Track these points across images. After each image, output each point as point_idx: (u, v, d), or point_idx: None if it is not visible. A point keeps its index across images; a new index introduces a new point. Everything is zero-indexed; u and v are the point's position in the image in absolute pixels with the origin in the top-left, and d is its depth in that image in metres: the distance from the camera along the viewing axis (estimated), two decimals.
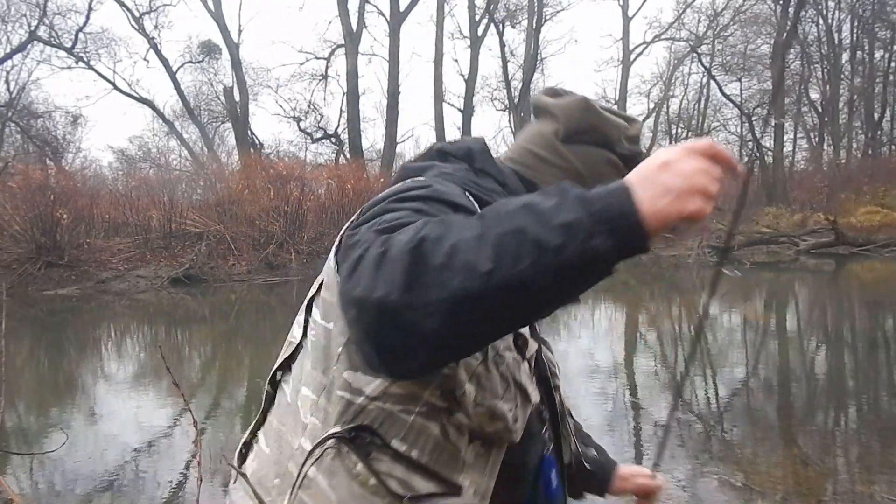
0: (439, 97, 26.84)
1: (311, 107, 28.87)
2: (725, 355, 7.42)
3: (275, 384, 0.98)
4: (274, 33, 47.05)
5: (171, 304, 12.54)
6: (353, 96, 24.33)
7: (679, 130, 34.50)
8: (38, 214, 13.84)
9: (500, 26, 30.50)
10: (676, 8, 32.12)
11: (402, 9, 24.85)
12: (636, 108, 34.20)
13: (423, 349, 0.66)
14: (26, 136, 26.08)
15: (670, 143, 34.31)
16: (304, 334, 0.93)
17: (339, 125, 28.73)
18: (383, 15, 25.96)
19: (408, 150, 29.61)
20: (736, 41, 30.76)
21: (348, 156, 25.48)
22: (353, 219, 0.85)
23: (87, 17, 25.08)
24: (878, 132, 31.43)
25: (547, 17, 30.30)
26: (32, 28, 24.34)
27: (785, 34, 27.11)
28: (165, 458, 4.42)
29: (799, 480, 3.74)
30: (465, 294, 0.63)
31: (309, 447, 0.86)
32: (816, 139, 33.21)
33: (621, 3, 30.91)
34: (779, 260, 18.02)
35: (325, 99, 42.40)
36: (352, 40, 24.47)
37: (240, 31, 29.39)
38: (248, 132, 26.74)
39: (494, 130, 33.66)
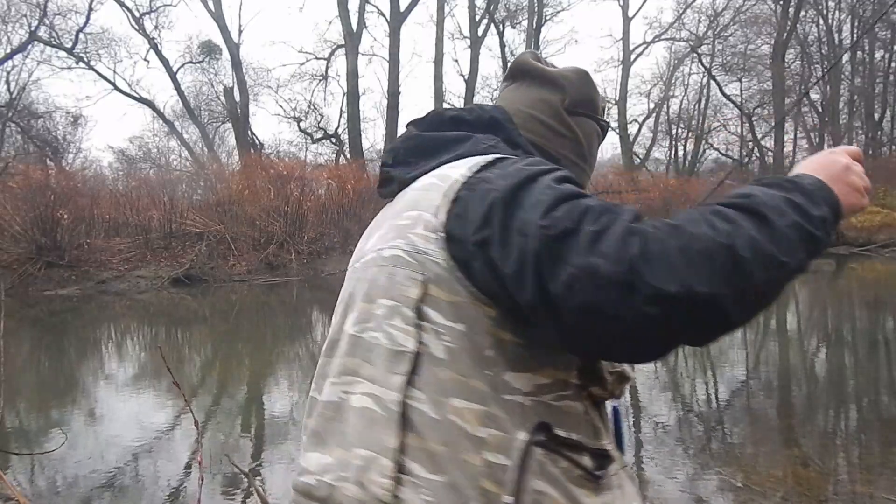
0: (439, 97, 26.85)
1: (312, 107, 28.91)
2: (725, 355, 7.42)
3: (392, 404, 0.83)
4: (274, 33, 47.17)
5: (172, 305, 12.55)
6: (353, 96, 24.34)
7: (679, 131, 34.51)
8: (39, 215, 13.85)
9: (501, 26, 30.51)
10: (676, 8, 32.11)
11: (402, 9, 24.86)
12: (636, 108, 34.24)
13: (718, 334, 0.73)
14: (27, 136, 26.09)
15: (670, 143, 34.40)
16: (420, 342, 0.83)
17: (339, 125, 28.76)
18: (383, 15, 25.99)
19: None
20: (736, 41, 30.80)
21: (348, 156, 25.50)
22: (496, 202, 0.79)
23: (88, 18, 25.12)
24: (879, 132, 31.45)
25: (547, 18, 30.32)
26: (33, 28, 24.36)
27: (785, 34, 27.13)
28: (166, 459, 4.43)
29: (799, 481, 3.74)
30: (766, 285, 0.71)
31: (504, 461, 0.80)
32: (817, 139, 33.21)
33: (621, 3, 30.91)
34: None
35: (325, 99, 42.36)
36: (352, 40, 24.48)
37: (240, 32, 29.44)
38: (249, 132, 26.76)
39: None
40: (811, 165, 0.88)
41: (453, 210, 0.83)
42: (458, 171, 0.88)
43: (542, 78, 1.10)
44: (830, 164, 0.87)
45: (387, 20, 25.33)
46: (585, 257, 0.71)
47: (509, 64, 1.16)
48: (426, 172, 0.93)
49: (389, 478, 0.81)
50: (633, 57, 31.54)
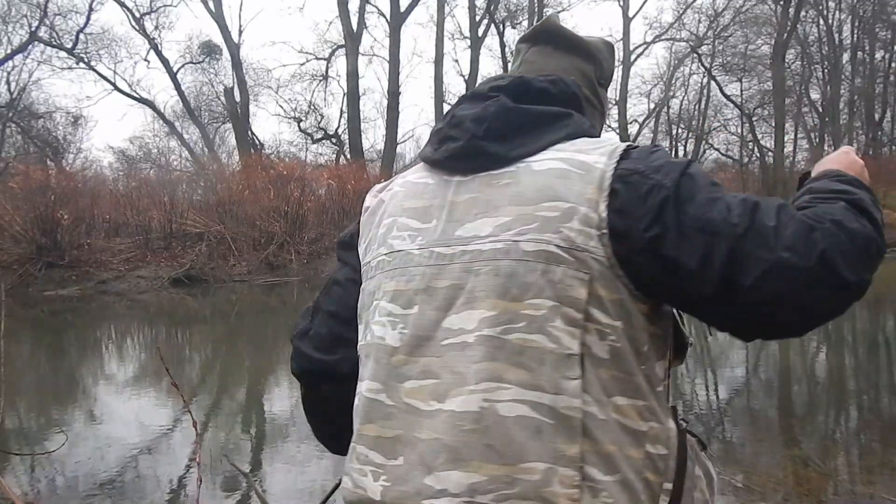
0: (440, 97, 26.85)
1: (312, 107, 28.90)
2: (726, 355, 7.42)
3: (568, 410, 0.80)
4: (274, 34, 47.15)
5: (172, 305, 12.55)
6: (353, 97, 24.34)
7: (679, 131, 34.51)
8: (39, 215, 13.85)
9: (501, 27, 30.51)
10: (677, 8, 32.13)
11: (402, 9, 24.86)
12: (637, 108, 34.23)
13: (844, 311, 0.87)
14: (27, 136, 26.10)
15: (671, 143, 34.38)
16: (583, 343, 0.81)
17: (339, 126, 28.74)
18: (384, 15, 26.00)
19: (408, 151, 29.64)
20: (736, 41, 30.78)
21: (349, 156, 25.49)
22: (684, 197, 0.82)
23: (88, 18, 25.13)
24: (879, 133, 31.45)
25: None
26: (33, 29, 24.37)
27: (785, 34, 27.12)
28: (166, 459, 4.42)
29: (800, 481, 3.74)
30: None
31: (664, 451, 0.85)
32: (817, 140, 33.20)
33: (621, 3, 30.92)
34: None
35: (325, 99, 42.21)
36: (352, 41, 24.48)
37: (240, 32, 29.45)
38: (249, 133, 26.76)
39: None
40: (836, 163, 1.01)
41: (613, 204, 0.82)
42: (594, 157, 0.86)
43: (578, 47, 1.08)
44: (849, 160, 1.02)
45: (387, 20, 25.34)
46: (776, 252, 0.79)
47: (535, 25, 1.12)
48: (534, 152, 0.89)
49: (575, 487, 0.78)
50: (633, 57, 31.58)
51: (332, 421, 1.04)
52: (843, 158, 1.02)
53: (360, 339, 0.95)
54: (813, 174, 1.01)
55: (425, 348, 0.86)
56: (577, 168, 0.86)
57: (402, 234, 0.93)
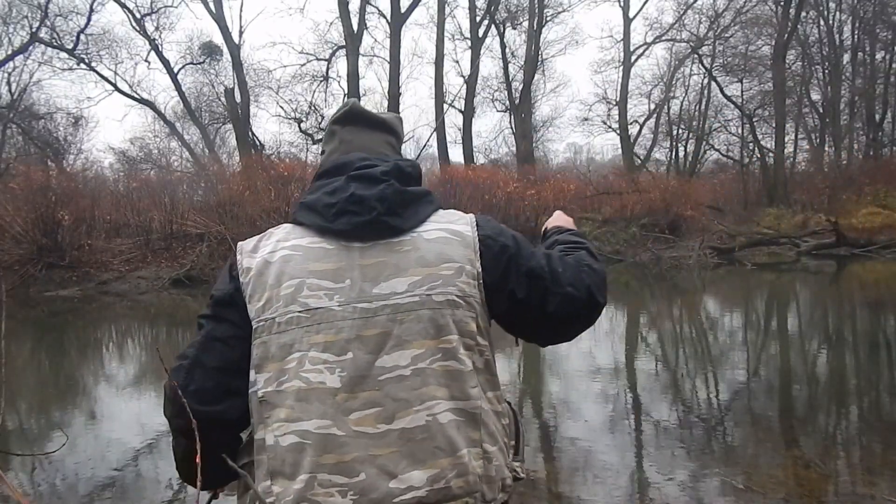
0: (440, 98, 26.85)
1: (312, 108, 28.92)
2: (726, 356, 7.41)
3: (473, 409, 1.16)
4: (275, 35, 47.13)
5: (172, 306, 12.56)
6: (353, 97, 24.31)
7: (680, 132, 34.49)
8: (40, 216, 13.85)
9: (501, 28, 30.52)
10: (677, 9, 32.11)
11: (402, 10, 24.87)
12: (637, 109, 34.21)
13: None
14: (28, 137, 26.11)
15: (671, 144, 34.33)
16: (474, 360, 1.17)
17: None
18: (384, 16, 26.01)
19: (408, 152, 29.63)
20: (737, 42, 30.77)
21: None
22: (529, 255, 1.25)
23: (89, 19, 25.15)
24: (880, 133, 31.40)
25: (548, 19, 30.32)
26: (34, 29, 24.38)
27: (786, 35, 27.11)
28: (166, 460, 4.42)
29: (800, 482, 3.74)
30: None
31: (508, 421, 1.26)
32: (817, 140, 33.19)
33: (622, 4, 30.92)
34: (780, 261, 18.01)
35: (326, 100, 42.21)
36: (353, 41, 24.49)
37: (241, 33, 29.46)
38: (249, 133, 26.77)
39: (495, 131, 33.68)
40: (562, 221, 1.54)
41: (482, 262, 1.18)
42: (462, 227, 1.21)
43: (381, 124, 1.39)
44: (570, 220, 1.55)
45: (387, 21, 25.35)
46: (564, 288, 1.22)
47: (343, 110, 1.40)
48: (418, 224, 1.19)
49: (480, 459, 1.13)
50: (633, 58, 31.56)
51: (221, 465, 1.15)
52: (566, 218, 1.54)
53: (267, 385, 1.11)
54: (549, 227, 1.53)
55: (364, 385, 1.09)
56: (454, 236, 1.19)
57: (318, 294, 1.12)
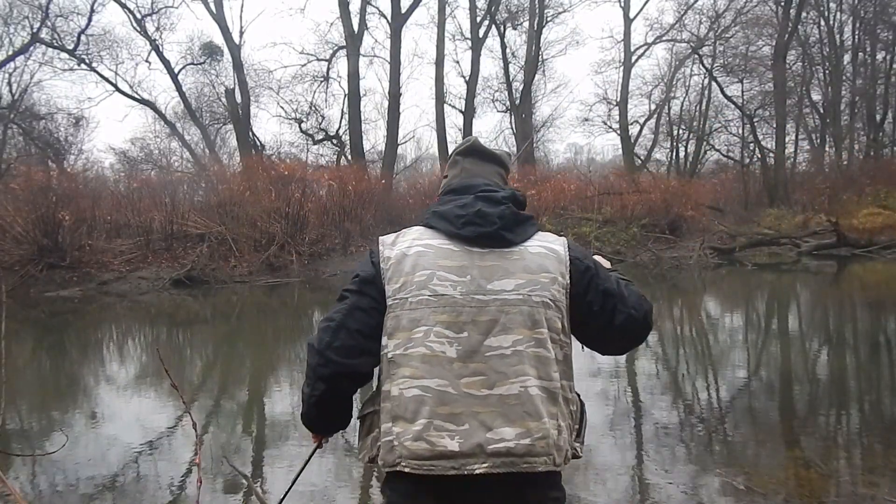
0: (440, 99, 26.85)
1: (313, 108, 28.89)
2: (727, 357, 7.41)
3: (556, 389, 1.50)
4: (275, 35, 47.13)
5: (173, 306, 12.55)
6: (354, 98, 24.34)
7: (680, 132, 34.48)
8: (41, 216, 13.85)
9: (502, 28, 30.51)
10: (677, 9, 32.11)
11: (403, 10, 24.86)
12: (637, 109, 34.19)
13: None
14: (28, 137, 26.09)
15: (672, 144, 34.32)
16: (556, 352, 1.50)
17: (340, 127, 28.74)
18: (384, 16, 25.99)
19: (409, 152, 29.63)
20: (737, 42, 30.73)
21: (350, 157, 25.49)
22: (593, 268, 1.58)
23: (89, 19, 25.09)
24: (880, 134, 31.38)
25: (548, 19, 30.32)
26: (34, 30, 24.35)
27: (786, 35, 27.09)
28: (166, 460, 4.42)
29: (801, 482, 3.73)
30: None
31: (575, 407, 1.58)
32: (818, 140, 33.16)
33: (622, 4, 30.91)
34: (780, 261, 18.00)
35: (326, 100, 42.34)
36: (353, 42, 24.48)
37: (241, 33, 29.42)
38: (250, 134, 26.76)
39: (496, 132, 33.68)
40: (606, 263, 1.71)
41: (569, 275, 1.51)
42: (557, 246, 1.54)
43: (495, 159, 1.69)
44: (607, 262, 1.73)
45: (388, 21, 25.33)
46: (629, 309, 1.55)
47: (467, 144, 1.70)
48: (526, 240, 1.52)
49: (556, 428, 1.45)
50: (634, 58, 31.53)
51: (343, 411, 1.57)
52: (606, 261, 1.73)
53: (397, 349, 1.45)
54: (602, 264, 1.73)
55: (474, 358, 1.42)
56: (552, 252, 1.52)
57: (444, 284, 1.45)
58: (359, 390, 1.59)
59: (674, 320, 10.44)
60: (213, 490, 3.79)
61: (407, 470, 1.40)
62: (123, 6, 25.44)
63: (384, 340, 1.47)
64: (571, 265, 1.52)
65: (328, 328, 1.50)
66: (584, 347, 1.64)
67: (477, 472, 1.37)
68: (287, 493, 1.91)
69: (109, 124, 66.38)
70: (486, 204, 1.51)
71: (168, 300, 12.99)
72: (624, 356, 7.74)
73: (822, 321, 10.10)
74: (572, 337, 1.56)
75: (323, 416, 1.56)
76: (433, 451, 1.38)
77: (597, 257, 1.78)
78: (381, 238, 1.57)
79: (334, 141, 29.16)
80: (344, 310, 1.51)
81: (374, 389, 1.54)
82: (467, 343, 1.42)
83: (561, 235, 1.61)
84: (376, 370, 1.54)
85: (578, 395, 1.58)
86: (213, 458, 4.36)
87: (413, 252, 1.48)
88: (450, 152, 1.75)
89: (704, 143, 33.39)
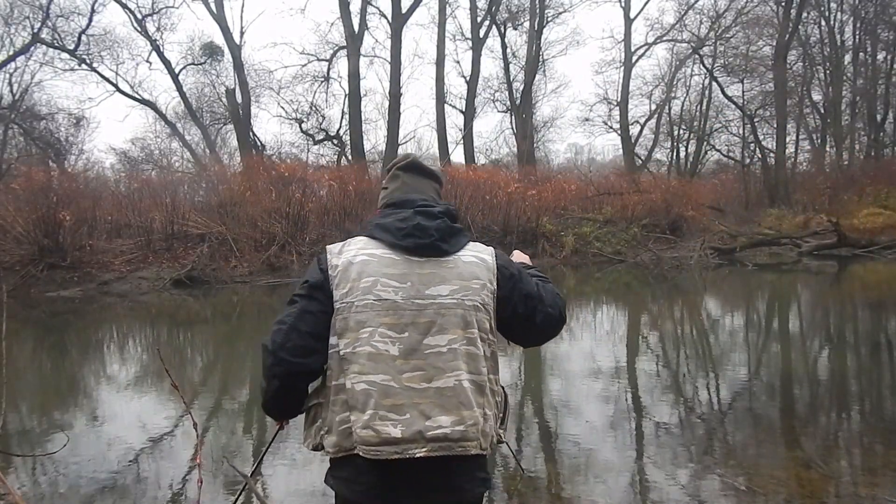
0: (441, 99, 26.86)
1: (313, 108, 28.93)
2: (728, 357, 7.41)
3: (484, 382, 1.67)
4: (276, 35, 47.13)
5: (173, 306, 12.55)
6: (354, 98, 24.34)
7: (681, 132, 34.47)
8: (41, 216, 13.86)
9: (502, 28, 30.51)
10: (678, 9, 32.10)
11: (403, 11, 24.87)
12: (638, 109, 34.21)
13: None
14: (29, 137, 26.12)
15: (672, 144, 34.30)
16: (484, 349, 1.67)
17: (340, 127, 28.77)
18: (385, 17, 26.01)
19: (409, 152, 29.50)
20: (738, 42, 30.74)
21: (350, 157, 25.50)
22: (515, 275, 1.77)
23: (90, 20, 25.13)
24: (881, 134, 31.37)
25: (549, 19, 30.32)
26: (35, 30, 24.38)
27: (787, 35, 27.07)
28: (167, 460, 4.42)
29: (801, 483, 3.73)
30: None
31: (500, 398, 1.76)
32: (819, 141, 33.15)
33: (623, 4, 30.91)
34: (781, 261, 18.00)
35: (326, 101, 42.30)
36: (354, 42, 24.49)
37: (242, 33, 29.40)
38: (250, 134, 26.78)
39: (496, 132, 33.67)
40: (524, 259, 2.02)
41: (496, 281, 1.69)
42: (486, 256, 1.72)
43: (431, 175, 1.88)
44: (526, 257, 2.05)
45: (388, 22, 25.34)
46: (547, 307, 1.77)
47: (406, 160, 1.87)
48: (459, 250, 1.70)
49: (482, 416, 1.62)
50: (634, 58, 31.53)
51: (297, 402, 1.74)
52: (525, 256, 2.04)
53: (346, 347, 1.60)
54: (518, 261, 1.96)
55: (414, 355, 1.59)
56: (482, 262, 1.70)
57: (387, 289, 1.61)
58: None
59: (674, 320, 10.44)
60: (213, 490, 3.80)
61: (360, 454, 1.57)
62: (124, 6, 25.48)
63: (334, 340, 1.62)
64: (499, 272, 1.70)
65: (280, 330, 1.65)
66: (510, 342, 1.83)
67: (417, 455, 1.54)
68: (257, 463, 2.38)
69: (110, 124, 66.44)
70: (424, 218, 1.67)
71: (169, 300, 12.99)
72: (624, 356, 7.76)
73: (823, 321, 10.09)
74: (498, 334, 1.75)
75: (280, 408, 1.76)
76: (379, 438, 1.54)
77: (517, 252, 2.06)
78: (328, 247, 1.73)
79: (335, 141, 29.19)
80: (294, 313, 1.66)
81: (321, 383, 1.70)
82: (408, 342, 1.58)
83: (489, 246, 1.79)
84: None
85: (503, 388, 1.77)
86: (213, 458, 4.36)
87: (358, 261, 1.64)
88: (390, 165, 1.91)
89: (705, 143, 33.40)
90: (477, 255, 1.70)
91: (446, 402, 1.57)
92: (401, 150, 27.14)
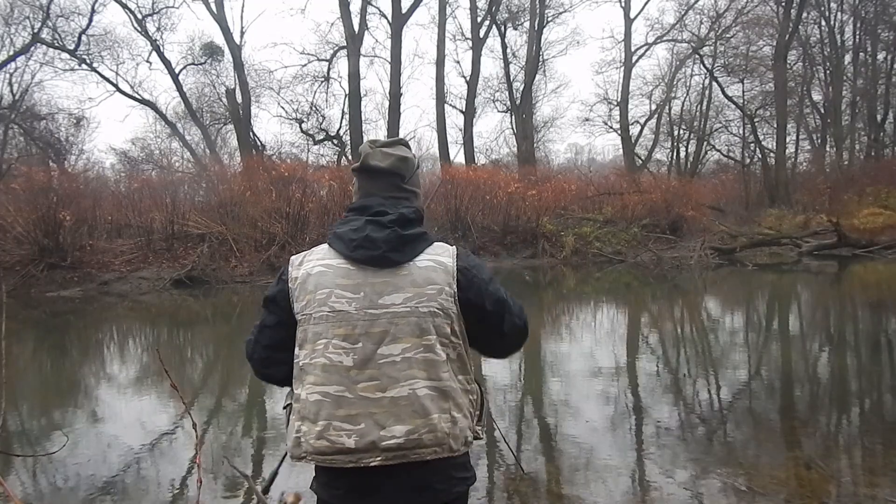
0: (441, 99, 26.87)
1: (313, 108, 28.94)
2: (728, 357, 7.40)
3: (445, 387, 1.64)
4: (276, 35, 47.16)
5: (174, 306, 12.56)
6: (354, 98, 24.35)
7: (681, 132, 34.47)
8: (41, 216, 13.86)
9: (502, 28, 30.51)
10: (678, 9, 32.10)
11: (403, 11, 24.88)
12: (638, 109, 34.21)
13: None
14: (29, 138, 26.13)
15: (672, 144, 34.28)
16: (447, 352, 1.64)
17: (340, 127, 28.78)
18: (385, 17, 26.02)
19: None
20: (738, 42, 30.75)
21: (350, 157, 25.48)
22: (476, 277, 1.69)
23: (90, 20, 25.15)
24: (881, 134, 31.37)
25: (549, 19, 30.32)
26: (35, 30, 24.39)
27: (787, 35, 27.06)
28: (167, 461, 4.42)
29: (802, 483, 3.73)
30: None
31: (475, 396, 1.73)
32: (819, 141, 33.16)
33: (623, 4, 30.91)
34: (781, 261, 17.99)
35: (327, 101, 42.31)
36: (354, 42, 24.50)
37: (242, 33, 29.39)
38: (251, 134, 26.78)
39: (496, 132, 33.67)
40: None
41: (458, 285, 1.64)
42: (445, 258, 1.66)
43: (386, 173, 1.76)
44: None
45: (388, 22, 25.35)
46: (514, 317, 1.74)
47: (360, 162, 1.76)
48: (414, 257, 1.64)
49: (448, 422, 1.60)
50: (634, 58, 31.54)
51: (274, 381, 1.81)
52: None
53: (304, 358, 1.63)
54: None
55: (368, 365, 1.59)
56: (439, 265, 1.64)
57: (341, 300, 1.61)
58: None
59: (674, 320, 10.43)
60: (214, 490, 3.80)
61: (313, 463, 1.62)
62: (124, 6, 25.50)
63: (297, 350, 1.65)
64: (459, 273, 1.65)
65: (249, 342, 1.77)
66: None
67: (371, 464, 1.56)
68: (271, 478, 2.36)
69: (110, 124, 66.47)
70: (374, 228, 1.65)
71: (169, 300, 13.00)
72: (624, 356, 7.75)
73: (823, 321, 10.09)
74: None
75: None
76: (333, 448, 1.57)
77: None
78: (291, 258, 1.75)
79: (335, 141, 29.19)
80: (256, 327, 1.76)
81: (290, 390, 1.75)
82: (362, 352, 1.58)
83: (452, 245, 1.72)
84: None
85: (479, 385, 1.75)
86: (213, 458, 4.36)
87: (315, 272, 1.65)
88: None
89: (705, 143, 33.39)
90: (434, 259, 1.65)
91: (401, 411, 1.56)
92: None
